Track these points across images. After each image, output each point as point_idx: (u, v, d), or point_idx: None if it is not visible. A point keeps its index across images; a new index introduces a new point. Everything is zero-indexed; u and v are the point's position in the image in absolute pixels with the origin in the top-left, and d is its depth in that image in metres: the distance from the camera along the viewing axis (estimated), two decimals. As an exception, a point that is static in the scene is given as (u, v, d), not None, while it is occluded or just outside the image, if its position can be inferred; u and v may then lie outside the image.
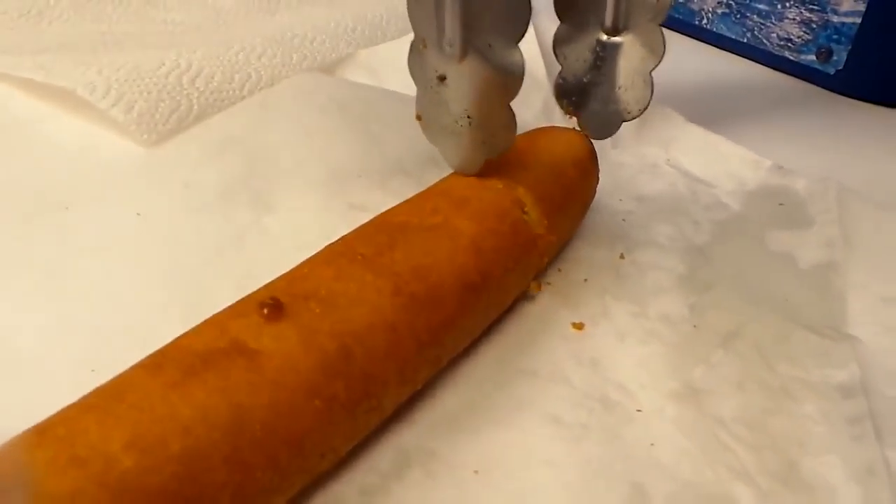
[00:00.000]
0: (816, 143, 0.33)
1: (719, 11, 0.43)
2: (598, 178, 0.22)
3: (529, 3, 0.16)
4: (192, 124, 0.24)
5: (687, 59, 0.43)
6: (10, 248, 0.18)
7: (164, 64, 0.26)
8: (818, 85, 0.39)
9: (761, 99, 0.38)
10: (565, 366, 0.16)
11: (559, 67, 0.33)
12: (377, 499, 0.13)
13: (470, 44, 0.17)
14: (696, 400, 0.15)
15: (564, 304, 0.18)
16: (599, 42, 0.21)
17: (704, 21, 0.44)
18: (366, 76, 0.32)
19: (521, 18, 0.16)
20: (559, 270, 0.20)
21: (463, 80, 0.17)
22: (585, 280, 0.19)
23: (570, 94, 0.22)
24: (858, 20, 0.36)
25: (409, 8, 0.17)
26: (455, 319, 0.15)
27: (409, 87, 0.20)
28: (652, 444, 0.14)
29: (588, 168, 0.21)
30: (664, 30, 0.21)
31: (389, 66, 0.32)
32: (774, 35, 0.41)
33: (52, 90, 0.23)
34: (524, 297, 0.18)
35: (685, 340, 0.17)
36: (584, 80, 0.22)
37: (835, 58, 0.38)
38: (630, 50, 0.21)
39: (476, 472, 0.13)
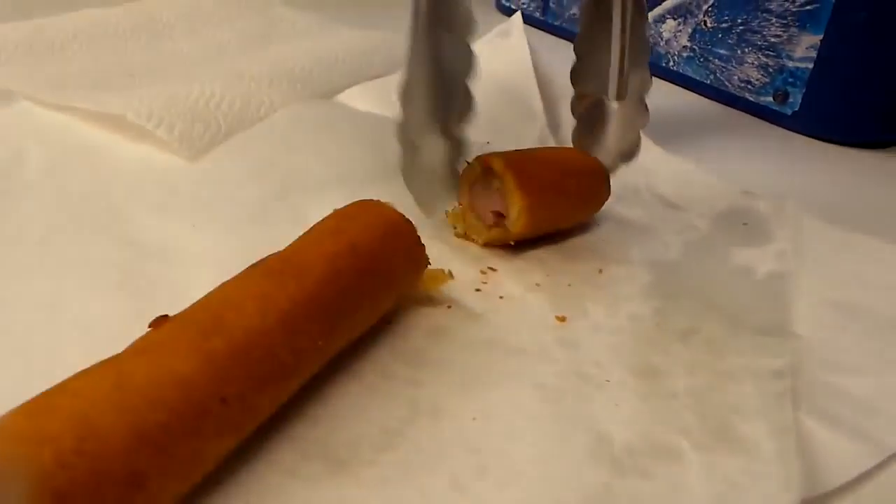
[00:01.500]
0: (774, 179, 0.37)
1: (684, 55, 0.48)
2: (607, 190, 0.27)
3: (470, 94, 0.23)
4: (222, 140, 0.28)
5: (655, 98, 0.47)
6: (85, 253, 0.21)
7: (192, 93, 0.30)
8: (776, 124, 0.44)
9: (723, 137, 0.42)
10: (549, 346, 0.19)
11: (554, 103, 0.37)
12: (396, 437, 0.16)
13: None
14: (655, 377, 0.18)
15: (550, 301, 0.21)
16: (607, 104, 0.30)
17: (671, 63, 0.49)
18: (363, 106, 0.35)
19: (468, 104, 0.23)
20: (547, 276, 0.23)
21: (432, 146, 0.24)
22: (569, 285, 0.23)
23: (585, 143, 0.31)
24: (811, 65, 0.41)
25: (400, 97, 0.23)
26: (329, 280, 0.17)
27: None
28: (616, 405, 0.17)
29: (592, 174, 0.26)
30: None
31: (383, 100, 0.36)
32: (735, 77, 0.45)
33: (105, 117, 0.27)
34: (512, 295, 0.22)
35: (649, 335, 0.20)
36: (599, 132, 0.30)
37: (791, 100, 0.43)
38: (627, 112, 0.29)
39: (473, 419, 0.16)
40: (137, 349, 0.14)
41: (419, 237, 0.20)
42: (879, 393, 0.18)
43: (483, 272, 0.23)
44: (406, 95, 0.23)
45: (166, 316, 0.15)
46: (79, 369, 0.13)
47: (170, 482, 0.13)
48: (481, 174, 0.24)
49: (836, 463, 0.16)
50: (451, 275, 0.21)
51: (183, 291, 0.17)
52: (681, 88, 0.48)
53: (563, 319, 0.21)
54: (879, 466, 0.16)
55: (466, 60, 0.23)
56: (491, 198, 0.23)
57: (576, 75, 0.30)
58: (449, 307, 0.21)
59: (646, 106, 0.29)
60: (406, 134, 0.24)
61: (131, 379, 0.13)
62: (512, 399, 0.17)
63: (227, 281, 0.16)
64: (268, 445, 0.15)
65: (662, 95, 0.47)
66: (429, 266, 0.20)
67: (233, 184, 0.25)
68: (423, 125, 0.24)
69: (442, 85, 0.23)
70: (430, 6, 0.22)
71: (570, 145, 0.34)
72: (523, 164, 0.24)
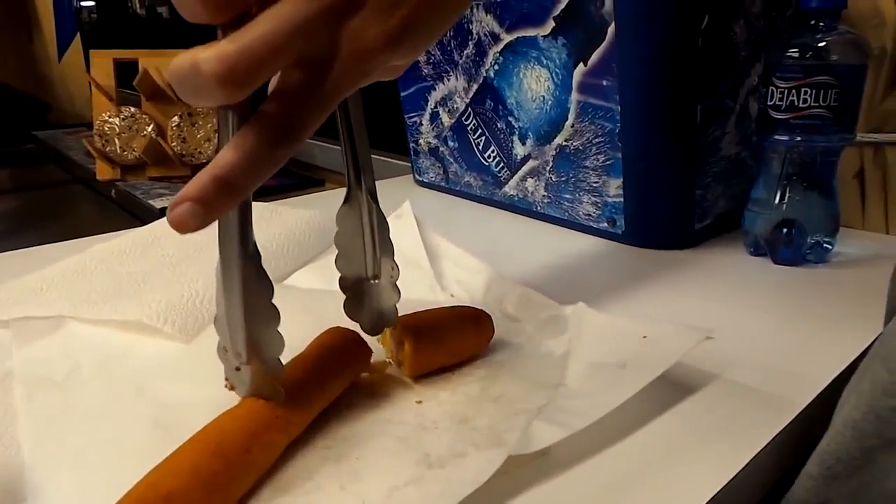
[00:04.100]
0: (613, 275, 0.52)
1: (545, 201, 0.64)
2: (489, 332, 0.38)
3: (281, 337, 0.29)
4: (207, 325, 0.41)
5: (529, 233, 0.63)
6: (130, 412, 0.34)
7: (183, 294, 0.44)
8: (613, 241, 0.59)
9: (578, 254, 0.58)
10: (408, 418, 0.32)
11: (438, 261, 0.51)
12: (313, 472, 0.28)
13: (252, 355, 0.29)
14: (466, 421, 0.31)
15: (417, 394, 0.35)
16: (367, 284, 0.36)
17: (537, 207, 0.65)
18: (307, 285, 0.50)
19: (280, 346, 0.29)
20: (419, 380, 0.36)
21: (249, 371, 0.29)
22: (433, 382, 0.36)
23: (353, 312, 0.37)
24: (622, 199, 0.57)
25: (215, 325, 0.29)
26: (318, 367, 0.32)
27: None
28: (438, 438, 0.30)
29: (478, 328, 0.38)
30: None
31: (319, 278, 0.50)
32: (580, 212, 0.61)
33: (127, 321, 0.41)
34: (395, 391, 0.35)
35: (472, 402, 0.33)
36: (363, 306, 0.36)
37: (618, 223, 0.58)
38: (383, 288, 0.36)
39: (357, 458, 0.29)
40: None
41: (367, 345, 0.35)
42: (586, 406, 0.31)
43: (383, 377, 0.36)
44: (219, 326, 0.29)
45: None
46: (131, 472, 0.25)
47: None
48: (395, 333, 0.37)
49: (541, 440, 0.28)
50: (389, 363, 0.36)
51: (194, 423, 0.29)
52: (547, 224, 0.64)
53: (420, 402, 0.34)
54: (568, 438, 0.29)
55: (273, 315, 0.29)
56: (400, 349, 0.36)
57: (340, 261, 0.36)
58: (353, 404, 0.34)
59: (397, 288, 0.36)
60: (225, 357, 0.30)
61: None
62: (380, 445, 0.30)
63: None
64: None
65: (534, 231, 0.63)
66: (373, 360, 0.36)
67: (213, 354, 0.38)
68: (238, 353, 0.29)
69: (252, 330, 0.28)
70: (243, 280, 0.28)
71: (452, 291, 0.48)
72: (422, 337, 0.35)
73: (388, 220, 0.35)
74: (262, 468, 0.28)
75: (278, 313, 0.29)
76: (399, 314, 0.37)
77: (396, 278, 0.36)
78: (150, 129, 1.16)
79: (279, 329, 0.29)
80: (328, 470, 0.29)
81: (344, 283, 0.36)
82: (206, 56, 0.22)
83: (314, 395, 0.31)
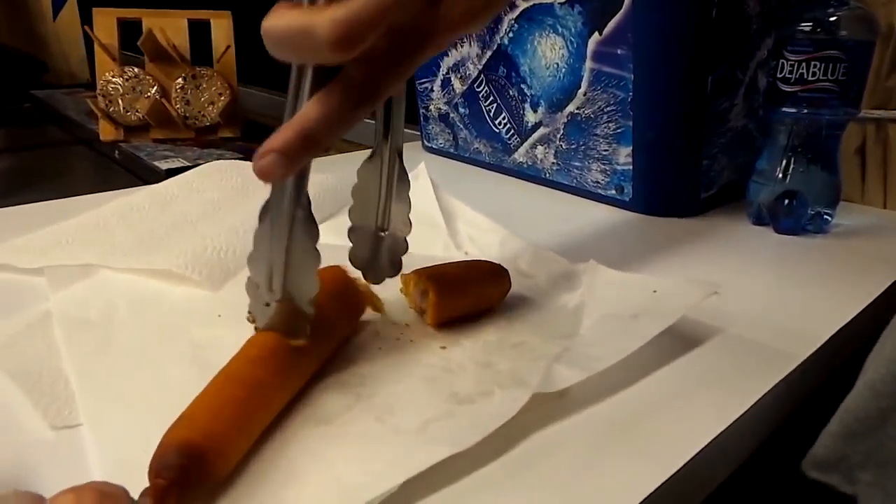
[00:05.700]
0: (620, 241, 0.54)
1: (554, 168, 0.65)
2: (506, 285, 0.40)
3: (317, 278, 0.30)
4: (232, 275, 0.43)
5: (538, 200, 0.64)
6: (166, 353, 0.35)
7: (208, 247, 0.46)
8: (620, 208, 0.61)
9: (586, 220, 0.59)
10: (432, 361, 0.34)
11: (452, 221, 0.53)
12: (348, 409, 0.30)
13: (287, 294, 0.30)
14: (489, 366, 0.34)
15: (438, 341, 0.37)
16: (375, 234, 0.38)
17: (546, 174, 0.66)
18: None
19: (314, 290, 0.30)
20: (442, 328, 0.38)
21: (280, 309, 0.31)
22: (453, 330, 0.38)
23: (358, 262, 0.38)
24: (631, 167, 0.59)
25: (248, 262, 0.31)
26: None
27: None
28: (464, 380, 0.32)
29: (496, 281, 0.40)
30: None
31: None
32: (589, 179, 0.63)
33: (156, 271, 0.42)
34: (419, 339, 0.37)
35: (493, 348, 0.35)
36: (367, 254, 0.38)
37: (626, 190, 0.60)
38: (390, 240, 0.38)
39: (389, 395, 0.31)
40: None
41: (356, 284, 0.37)
42: (603, 352, 0.33)
43: (407, 325, 0.38)
44: (253, 263, 0.31)
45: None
46: (174, 405, 0.27)
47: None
48: (419, 283, 0.38)
49: (563, 380, 0.31)
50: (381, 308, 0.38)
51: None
52: (555, 191, 0.66)
53: (444, 348, 0.36)
54: (588, 380, 0.31)
55: (315, 259, 0.30)
56: (423, 298, 0.38)
57: (353, 212, 0.37)
58: (380, 349, 0.36)
59: (405, 240, 0.38)
60: (255, 292, 0.31)
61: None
62: (411, 385, 0.32)
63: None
64: (286, 421, 0.30)
65: (543, 197, 0.65)
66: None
67: (241, 301, 0.40)
68: (273, 290, 0.30)
69: (292, 271, 0.30)
70: (294, 223, 0.29)
71: (467, 249, 0.50)
72: (445, 286, 0.37)
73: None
74: (276, 385, 0.29)
75: (319, 258, 0.30)
76: (416, 269, 0.38)
77: (406, 234, 0.38)
78: (153, 90, 1.16)
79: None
80: (363, 405, 0.31)
81: (352, 232, 0.38)
82: (321, 21, 0.24)
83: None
